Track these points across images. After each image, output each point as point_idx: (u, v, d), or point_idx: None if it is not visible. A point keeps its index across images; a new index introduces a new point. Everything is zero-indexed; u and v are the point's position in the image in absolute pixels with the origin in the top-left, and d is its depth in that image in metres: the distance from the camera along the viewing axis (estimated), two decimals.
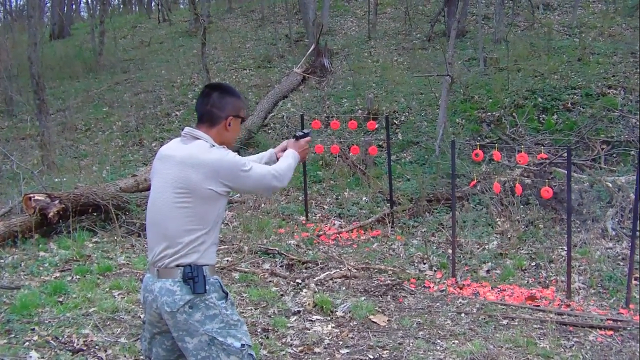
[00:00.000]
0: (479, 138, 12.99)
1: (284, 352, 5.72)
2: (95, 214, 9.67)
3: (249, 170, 3.44)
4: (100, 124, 17.41)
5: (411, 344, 6.00)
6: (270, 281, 7.73)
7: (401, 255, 9.01)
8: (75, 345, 5.60)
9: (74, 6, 40.23)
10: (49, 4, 33.29)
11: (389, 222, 10.21)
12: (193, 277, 3.28)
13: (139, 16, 34.21)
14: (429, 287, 7.80)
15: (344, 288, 7.60)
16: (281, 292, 7.33)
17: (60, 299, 6.68)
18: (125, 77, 21.37)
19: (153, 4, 36.81)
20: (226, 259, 8.44)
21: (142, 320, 3.62)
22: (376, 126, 12.16)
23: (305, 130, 4.07)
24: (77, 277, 7.43)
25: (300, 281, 7.73)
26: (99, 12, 27.14)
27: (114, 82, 20.93)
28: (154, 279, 3.37)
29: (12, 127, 17.64)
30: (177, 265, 3.32)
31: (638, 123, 12.31)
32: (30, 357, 5.27)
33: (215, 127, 3.48)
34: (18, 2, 38.93)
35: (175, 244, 3.32)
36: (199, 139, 3.44)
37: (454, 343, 6.01)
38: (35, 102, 15.10)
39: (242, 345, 3.36)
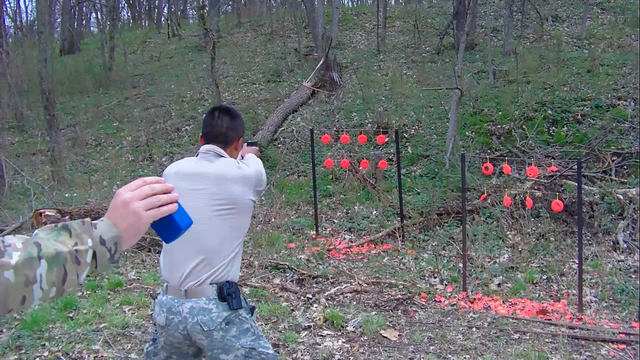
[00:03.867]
0: (489, 151, 12.98)
1: None
2: None
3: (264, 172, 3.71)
4: (111, 139, 17.49)
5: (422, 359, 5.97)
6: (280, 296, 7.72)
7: (412, 269, 8.98)
8: None
9: (83, 21, 40.52)
10: (59, 20, 33.54)
11: (400, 236, 10.18)
12: (231, 293, 3.33)
13: (148, 31, 34.38)
14: (440, 301, 7.77)
15: (354, 303, 7.57)
16: (292, 307, 7.31)
17: (71, 315, 6.68)
18: (135, 92, 21.48)
19: (162, 18, 37.05)
20: None
21: (152, 338, 3.59)
22: (386, 140, 12.17)
23: (255, 140, 4.38)
24: (88, 292, 7.44)
25: (310, 296, 7.71)
26: (109, 27, 27.29)
27: (124, 97, 21.03)
28: (181, 300, 3.34)
29: (23, 143, 17.72)
30: (211, 283, 3.33)
31: None
32: None
33: (228, 148, 3.58)
34: (28, 18, 39.14)
35: (214, 258, 3.35)
36: (223, 156, 3.52)
37: (465, 358, 5.98)
38: (45, 117, 15.19)
39: (273, 353, 3.45)
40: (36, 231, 1.55)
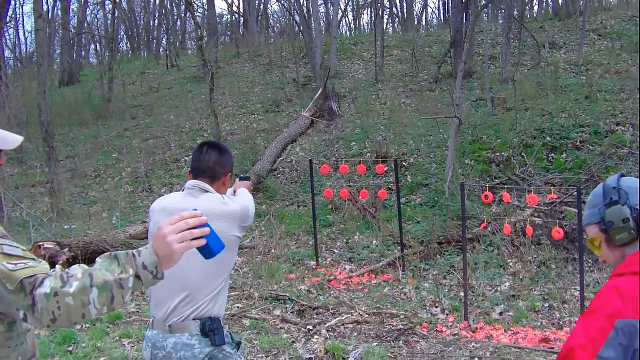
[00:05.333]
0: (488, 179, 12.96)
1: None
2: None
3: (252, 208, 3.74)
4: (110, 170, 17.47)
5: None
6: (281, 328, 7.67)
7: (413, 299, 8.94)
8: None
9: (83, 53, 40.66)
10: (58, 52, 33.68)
11: (400, 266, 10.15)
12: (214, 329, 3.31)
13: (147, 62, 34.46)
14: (442, 331, 7.72)
15: (355, 334, 7.52)
16: (292, 339, 7.26)
17: (70, 349, 6.63)
18: (134, 124, 21.47)
19: (161, 50, 37.16)
20: (237, 305, 8.39)
21: None
22: (385, 169, 12.17)
23: (248, 175, 4.47)
24: (87, 326, 7.39)
25: (311, 327, 7.67)
26: (108, 58, 27.41)
27: (123, 129, 21.02)
28: (165, 335, 3.34)
29: (22, 175, 17.70)
30: (195, 319, 3.32)
31: None
32: None
33: (216, 183, 3.57)
34: (28, 50, 39.33)
35: (197, 294, 3.33)
36: (208, 192, 3.50)
37: None
38: (44, 149, 15.19)
39: None
40: (98, 259, 2.14)
